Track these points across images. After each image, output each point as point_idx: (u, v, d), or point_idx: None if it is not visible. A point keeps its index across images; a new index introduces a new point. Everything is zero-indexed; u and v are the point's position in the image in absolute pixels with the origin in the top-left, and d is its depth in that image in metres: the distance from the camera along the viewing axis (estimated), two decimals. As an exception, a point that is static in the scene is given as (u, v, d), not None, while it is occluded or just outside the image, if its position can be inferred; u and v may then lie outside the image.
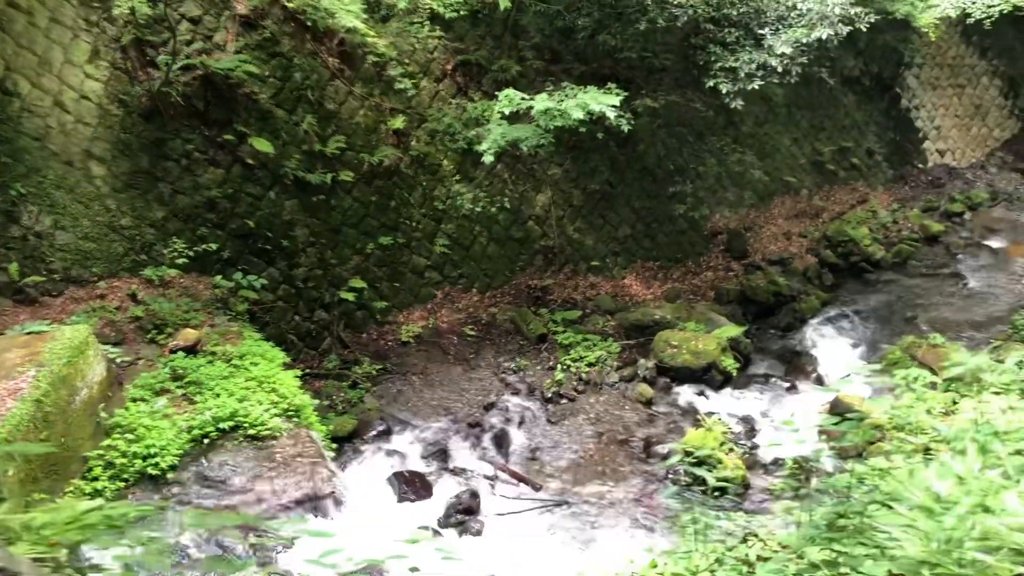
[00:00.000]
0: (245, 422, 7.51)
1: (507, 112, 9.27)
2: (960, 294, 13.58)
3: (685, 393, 10.59)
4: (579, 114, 8.95)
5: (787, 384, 10.89)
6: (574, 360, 10.89)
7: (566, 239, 12.88)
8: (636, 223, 13.57)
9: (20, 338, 7.07)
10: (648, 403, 10.39)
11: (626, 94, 9.78)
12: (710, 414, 9.77)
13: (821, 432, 9.86)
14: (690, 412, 10.14)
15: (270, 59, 10.67)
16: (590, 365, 10.84)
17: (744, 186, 14.99)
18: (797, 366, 11.52)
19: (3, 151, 9.03)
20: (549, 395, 10.34)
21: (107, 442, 7.14)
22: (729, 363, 10.85)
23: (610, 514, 8.28)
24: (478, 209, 11.97)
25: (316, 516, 7.05)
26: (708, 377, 10.75)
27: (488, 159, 9.49)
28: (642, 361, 10.95)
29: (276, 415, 7.73)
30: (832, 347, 12.06)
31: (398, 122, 11.39)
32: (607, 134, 11.23)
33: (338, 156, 10.99)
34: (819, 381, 11.07)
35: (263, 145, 10.33)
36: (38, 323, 7.80)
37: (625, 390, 10.60)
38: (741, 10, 10.32)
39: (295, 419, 7.85)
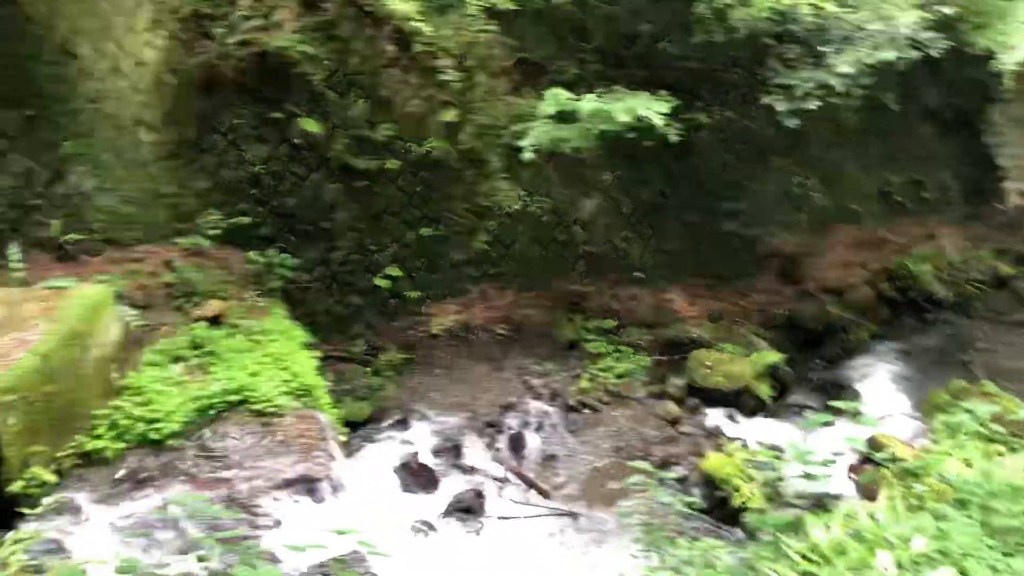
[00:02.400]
0: (253, 397, 7.50)
1: (553, 111, 9.12)
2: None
3: (714, 416, 10.25)
4: (625, 118, 8.74)
5: (823, 421, 10.44)
6: (602, 370, 10.65)
7: (611, 247, 12.64)
8: (686, 237, 13.24)
9: (42, 292, 7.20)
10: (674, 422, 10.09)
11: (678, 103, 9.52)
12: (735, 439, 9.44)
13: (851, 470, 9.46)
14: (715, 435, 9.81)
15: (327, 41, 10.71)
16: (619, 377, 10.59)
17: (803, 210, 14.52)
18: (837, 399, 11.05)
19: (58, 111, 9.25)
20: (572, 403, 10.12)
21: (115, 402, 7.20)
22: (764, 389, 10.48)
23: (616, 530, 8.04)
24: (523, 208, 11.83)
25: (310, 498, 6.99)
26: (740, 402, 10.40)
27: (527, 156, 9.36)
28: (673, 379, 10.66)
29: (286, 393, 7.70)
30: (877, 383, 11.56)
31: (450, 115, 11.33)
32: (664, 144, 10.96)
33: (386, 144, 10.98)
34: (858, 417, 10.61)
35: (312, 126, 10.39)
36: (62, 279, 7.93)
37: (652, 406, 10.32)
38: (806, 27, 9.96)
39: (305, 399, 7.82)
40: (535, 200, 11.97)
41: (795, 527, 4.06)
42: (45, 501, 6.32)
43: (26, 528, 6.11)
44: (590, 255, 12.54)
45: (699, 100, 12.07)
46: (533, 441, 9.57)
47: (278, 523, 6.69)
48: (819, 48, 10.00)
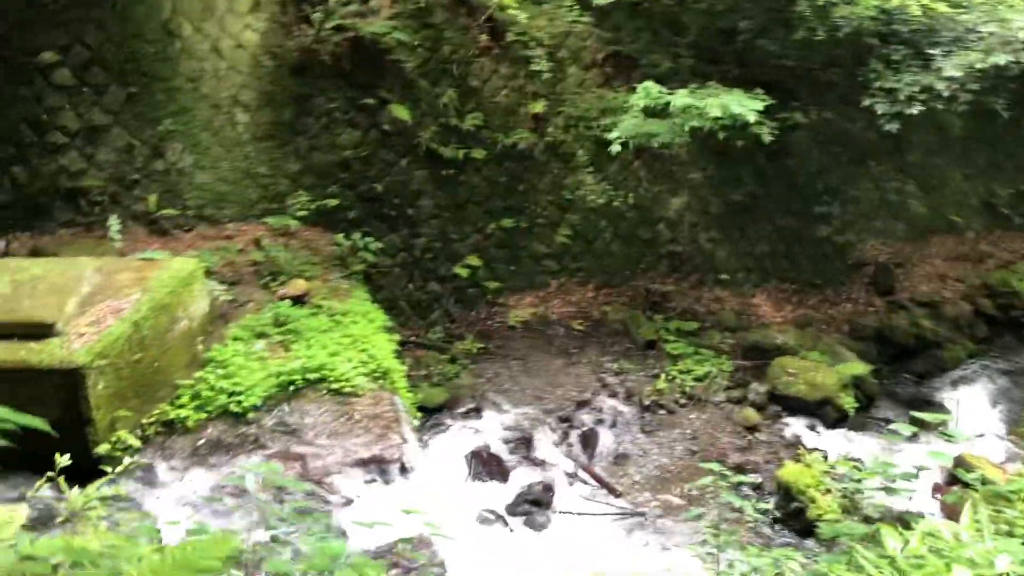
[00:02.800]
0: (331, 376, 7.61)
1: (642, 105, 8.97)
2: None
3: (794, 425, 9.96)
4: (717, 114, 8.53)
5: (908, 432, 10.04)
6: (680, 372, 10.45)
7: (696, 247, 12.40)
8: (776, 241, 12.90)
9: (135, 263, 7.44)
10: (752, 429, 9.84)
11: (773, 102, 9.25)
12: (815, 450, 9.14)
13: (935, 489, 9.08)
14: (794, 445, 9.51)
15: (421, 29, 10.79)
16: (697, 380, 10.38)
17: (900, 218, 13.97)
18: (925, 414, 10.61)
19: (159, 88, 9.55)
20: (647, 403, 9.97)
21: (199, 373, 7.41)
22: (848, 401, 10.12)
23: (684, 533, 7.89)
24: (607, 203, 11.70)
25: (381, 479, 7.06)
26: (822, 412, 10.07)
27: (615, 148, 9.23)
28: (754, 384, 10.39)
29: (363, 374, 7.79)
30: (970, 402, 11.04)
31: (538, 106, 11.29)
32: (757, 144, 10.69)
33: (473, 133, 11.01)
34: (947, 436, 10.16)
35: (402, 113, 10.48)
36: (154, 252, 8.18)
37: (729, 411, 10.09)
38: (913, 27, 9.53)
39: (381, 381, 7.89)
40: (620, 195, 11.82)
41: (871, 539, 3.88)
42: (127, 463, 6.53)
43: (108, 488, 6.34)
44: (674, 254, 12.33)
45: (796, 100, 11.70)
46: (606, 439, 9.47)
47: (348, 501, 6.79)
48: (926, 50, 9.56)
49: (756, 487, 8.73)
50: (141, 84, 9.44)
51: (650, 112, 9.40)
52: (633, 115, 9.46)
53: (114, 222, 8.58)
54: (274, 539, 5.78)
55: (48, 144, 9.10)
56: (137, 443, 6.72)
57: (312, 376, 7.58)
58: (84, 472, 6.06)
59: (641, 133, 9.30)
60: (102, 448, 6.43)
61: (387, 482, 7.08)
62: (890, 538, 3.31)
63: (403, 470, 7.12)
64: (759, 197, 12.73)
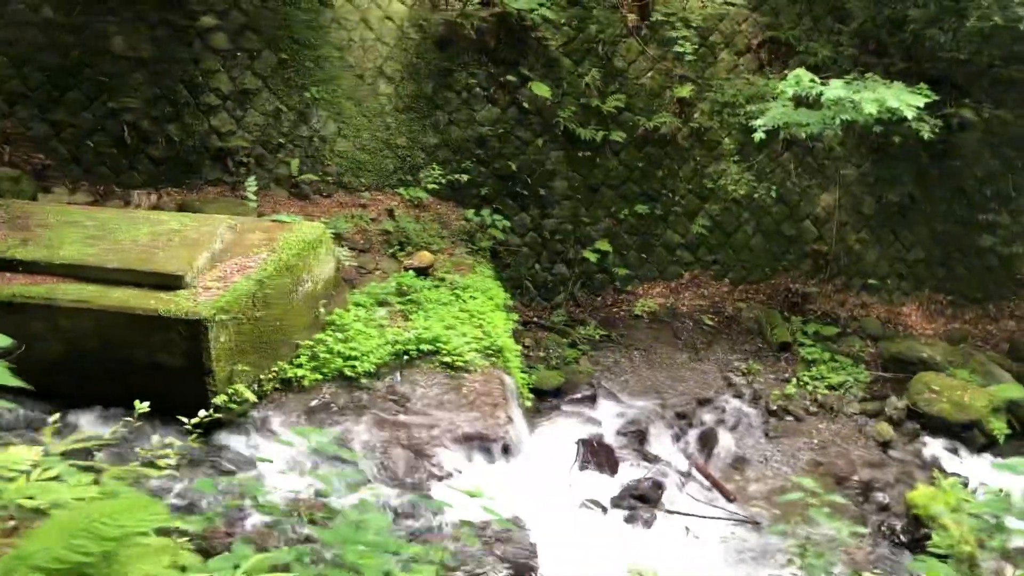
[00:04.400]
0: (444, 349, 7.62)
1: (791, 93, 8.45)
2: None
3: (933, 446, 9.22)
4: (872, 109, 7.93)
5: (1068, 469, 9.12)
6: (813, 378, 9.89)
7: (844, 248, 11.68)
8: (933, 247, 11.97)
9: (265, 223, 7.66)
10: (885, 445, 9.19)
11: (937, 98, 8.52)
12: (954, 475, 8.43)
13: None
14: (931, 467, 8.82)
15: (569, 7, 10.62)
16: (830, 388, 9.79)
17: (1081, 232, 12.67)
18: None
19: (308, 56, 9.82)
20: (774, 408, 9.49)
21: (319, 335, 7.57)
22: (998, 426, 9.28)
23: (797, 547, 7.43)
24: (751, 195, 11.18)
25: (483, 456, 7.01)
26: (967, 435, 9.27)
27: (758, 137, 8.75)
28: (892, 398, 9.70)
29: (476, 350, 7.75)
30: None
31: (685, 90, 10.88)
32: (920, 142, 9.92)
33: (614, 115, 10.75)
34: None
35: (542, 91, 10.35)
36: (288, 215, 8.42)
37: (863, 424, 9.47)
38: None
39: (493, 359, 7.83)
40: (766, 188, 11.27)
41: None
42: (243, 417, 6.76)
43: (222, 438, 6.59)
44: (819, 254, 11.66)
45: (967, 97, 10.79)
46: (725, 440, 9.08)
47: (449, 475, 6.77)
48: None
49: (883, 507, 8.15)
50: (291, 51, 9.73)
51: (800, 102, 8.86)
52: (782, 103, 8.94)
53: (251, 183, 8.89)
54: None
55: (202, 105, 9.53)
56: (253, 397, 6.92)
57: (426, 347, 7.61)
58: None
59: (789, 123, 8.78)
60: (219, 399, 6.66)
61: (489, 461, 7.02)
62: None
63: (506, 450, 7.04)
64: (917, 199, 11.84)
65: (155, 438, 4.59)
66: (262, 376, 7.13)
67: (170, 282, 6.62)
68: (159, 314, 6.41)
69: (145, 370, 6.51)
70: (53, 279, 6.60)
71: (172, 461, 4.42)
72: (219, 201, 9.19)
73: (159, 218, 7.38)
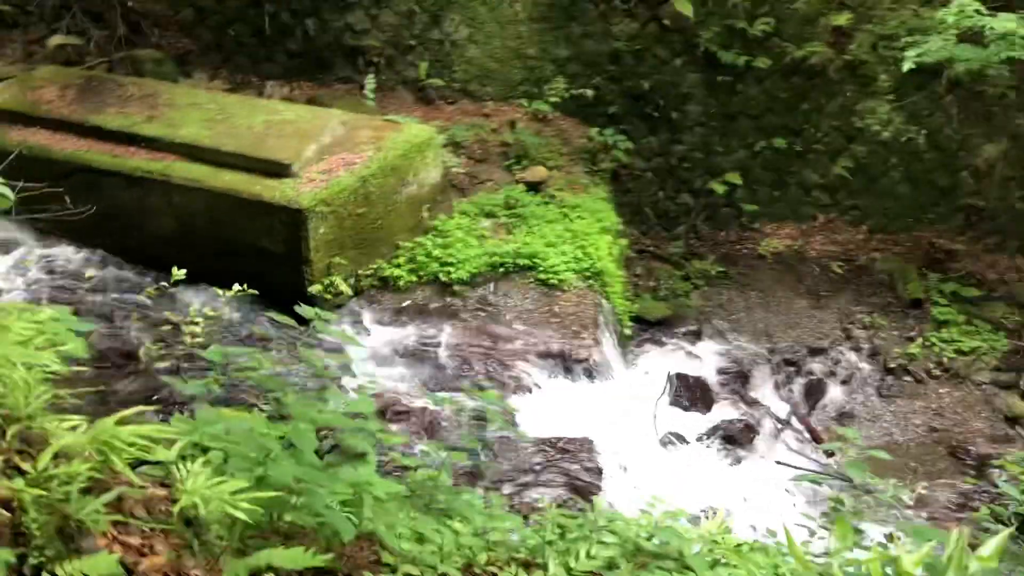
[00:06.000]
0: (541, 265, 7.53)
1: (952, 22, 7.60)
2: None
3: (1070, 427, 8.44)
4: (1045, 45, 7.04)
5: None
6: (942, 340, 9.15)
7: (1005, 205, 10.62)
8: (1111, 214, 10.74)
9: (377, 122, 7.71)
10: (1014, 420, 8.46)
11: None
12: (1086, 461, 7.68)
13: None
14: (1063, 449, 8.08)
15: (727, -83, 9.94)
16: (960, 352, 9.05)
17: None
18: None
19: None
20: (893, 365, 8.89)
21: (420, 239, 7.64)
22: None
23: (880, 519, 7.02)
24: (903, 139, 10.31)
25: (566, 376, 6.93)
26: (1112, 422, 8.42)
27: (907, 66, 7.95)
28: (1032, 372, 8.90)
29: (573, 270, 7.62)
30: None
31: (842, 18, 10.04)
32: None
33: (761, 40, 10.07)
34: None
35: (685, 7, 9.80)
36: (401, 116, 8.42)
37: (991, 395, 8.73)
38: None
39: (591, 281, 7.67)
40: (921, 132, 10.35)
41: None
42: (337, 309, 6.93)
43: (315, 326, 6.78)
44: (974, 209, 10.66)
45: None
46: (834, 393, 8.64)
47: (528, 389, 6.75)
48: None
49: (996, 485, 7.56)
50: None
51: (964, 37, 7.98)
52: (944, 36, 8.08)
53: (370, 81, 8.95)
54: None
55: (339, 1, 9.61)
56: (349, 291, 7.09)
57: (523, 262, 7.55)
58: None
59: (945, 57, 7.94)
60: (315, 288, 6.86)
61: (572, 380, 6.95)
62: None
63: (589, 372, 6.93)
64: (1101, 158, 10.59)
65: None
66: (360, 272, 7.28)
67: (277, 170, 6.79)
68: (263, 200, 6.61)
69: (248, 254, 6.76)
70: (171, 156, 6.91)
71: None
72: (346, 98, 9.33)
73: (276, 107, 7.56)
